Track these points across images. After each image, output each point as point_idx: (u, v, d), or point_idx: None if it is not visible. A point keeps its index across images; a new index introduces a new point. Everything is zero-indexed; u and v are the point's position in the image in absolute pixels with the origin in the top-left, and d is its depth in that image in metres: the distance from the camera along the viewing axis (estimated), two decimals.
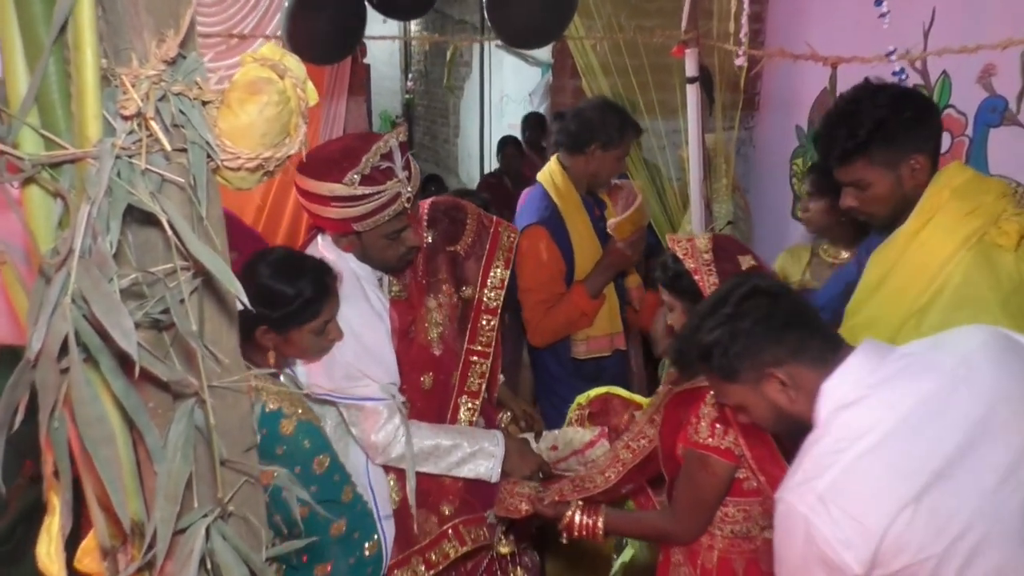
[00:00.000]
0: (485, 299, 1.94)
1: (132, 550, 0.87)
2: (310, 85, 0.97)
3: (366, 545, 1.72)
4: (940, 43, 2.95)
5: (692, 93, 2.34)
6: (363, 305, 1.77)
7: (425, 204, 1.97)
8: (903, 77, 2.22)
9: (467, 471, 1.83)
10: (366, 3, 2.03)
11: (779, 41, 4.17)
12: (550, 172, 2.44)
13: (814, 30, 3.57)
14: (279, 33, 2.22)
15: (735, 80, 2.61)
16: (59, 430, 0.86)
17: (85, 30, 0.81)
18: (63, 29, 0.80)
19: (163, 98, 0.86)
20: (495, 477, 1.84)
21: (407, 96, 10.45)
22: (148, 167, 0.84)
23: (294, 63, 0.93)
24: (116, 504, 0.84)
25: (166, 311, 0.87)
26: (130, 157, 0.85)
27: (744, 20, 1.92)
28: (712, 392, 1.58)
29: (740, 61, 2.00)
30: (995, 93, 3.13)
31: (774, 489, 1.56)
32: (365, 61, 3.82)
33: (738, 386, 1.30)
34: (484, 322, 1.93)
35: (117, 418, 0.86)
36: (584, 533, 1.74)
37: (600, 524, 1.72)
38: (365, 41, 2.93)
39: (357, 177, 1.61)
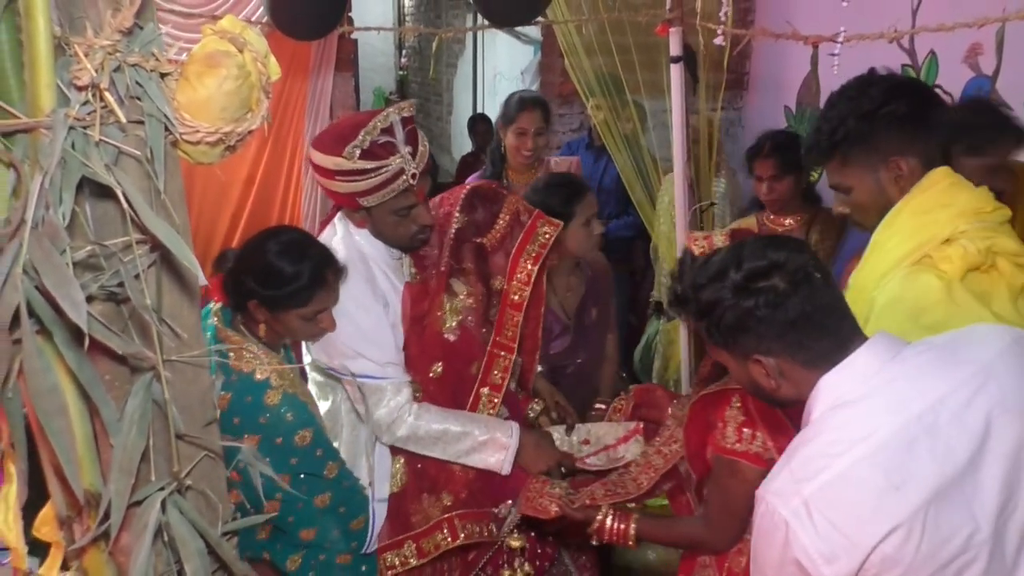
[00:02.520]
0: (512, 293, 1.90)
1: (87, 520, 0.88)
2: (272, 59, 0.96)
3: (352, 521, 1.74)
4: (928, 22, 2.95)
5: (676, 73, 2.32)
6: (362, 286, 1.77)
7: (464, 188, 1.94)
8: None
9: (476, 460, 1.79)
10: None
11: (767, 21, 4.16)
12: None
13: (801, 10, 3.56)
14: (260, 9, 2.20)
15: (720, 60, 2.60)
16: (13, 400, 0.86)
17: None
18: None
19: (118, 69, 0.85)
20: (506, 469, 1.79)
21: (401, 73, 10.37)
22: (103, 139, 0.84)
23: (254, 36, 0.92)
24: (69, 475, 0.84)
25: (122, 284, 0.87)
26: (84, 128, 0.84)
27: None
28: (737, 395, 1.55)
29: (720, 40, 1.99)
30: (981, 73, 3.13)
31: None
32: (353, 36, 3.79)
33: (724, 352, 1.22)
34: (509, 316, 1.89)
35: (72, 390, 0.86)
36: (615, 538, 1.69)
37: (632, 530, 1.67)
38: (355, 16, 2.91)
39: (357, 151, 1.61)
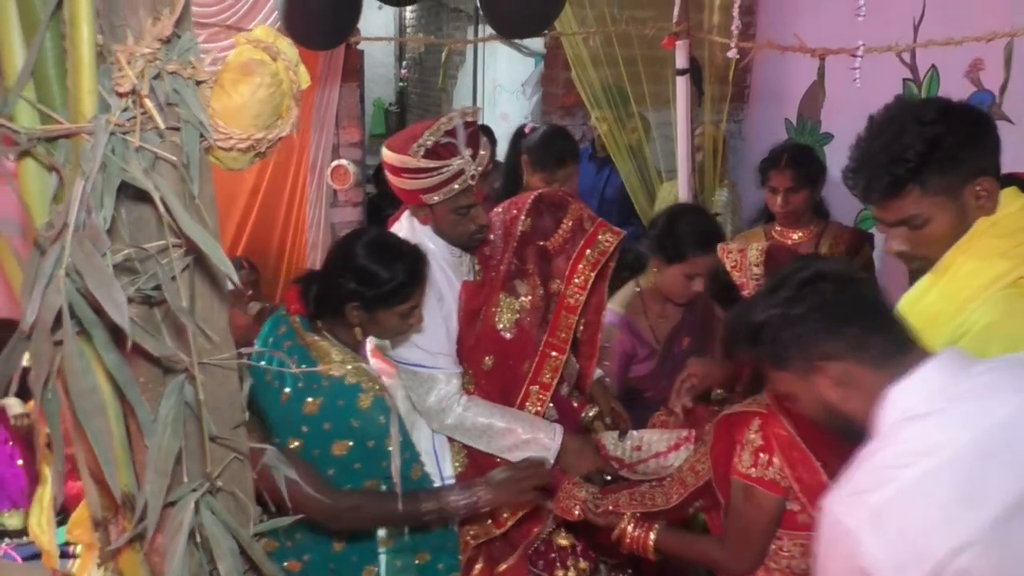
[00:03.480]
0: (568, 296, 1.95)
1: (123, 521, 0.89)
2: (302, 68, 0.98)
3: None
4: (930, 37, 2.99)
5: (681, 85, 2.36)
6: None
7: (532, 194, 2.01)
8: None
9: (517, 457, 1.83)
10: None
11: (769, 34, 4.20)
12: None
13: (804, 23, 3.60)
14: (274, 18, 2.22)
15: (724, 73, 2.63)
16: (52, 402, 0.87)
17: (82, 6, 0.82)
18: (59, 4, 0.81)
19: (157, 76, 0.87)
20: None
21: (401, 84, 10.42)
22: (142, 144, 0.85)
23: (287, 46, 0.94)
24: (108, 475, 0.85)
25: (157, 287, 0.89)
26: (124, 134, 0.86)
27: (735, 12, 1.94)
28: (758, 419, 1.53)
29: (732, 53, 2.01)
30: (983, 87, 3.17)
31: None
32: (359, 47, 3.81)
33: (787, 374, 1.19)
34: (564, 318, 1.94)
35: (109, 391, 0.87)
36: (635, 547, 1.69)
37: (651, 540, 1.67)
38: (359, 27, 2.94)
39: (421, 150, 1.72)
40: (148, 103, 0.85)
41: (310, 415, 1.62)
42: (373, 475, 1.66)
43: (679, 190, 2.65)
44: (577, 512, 1.76)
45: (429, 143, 1.72)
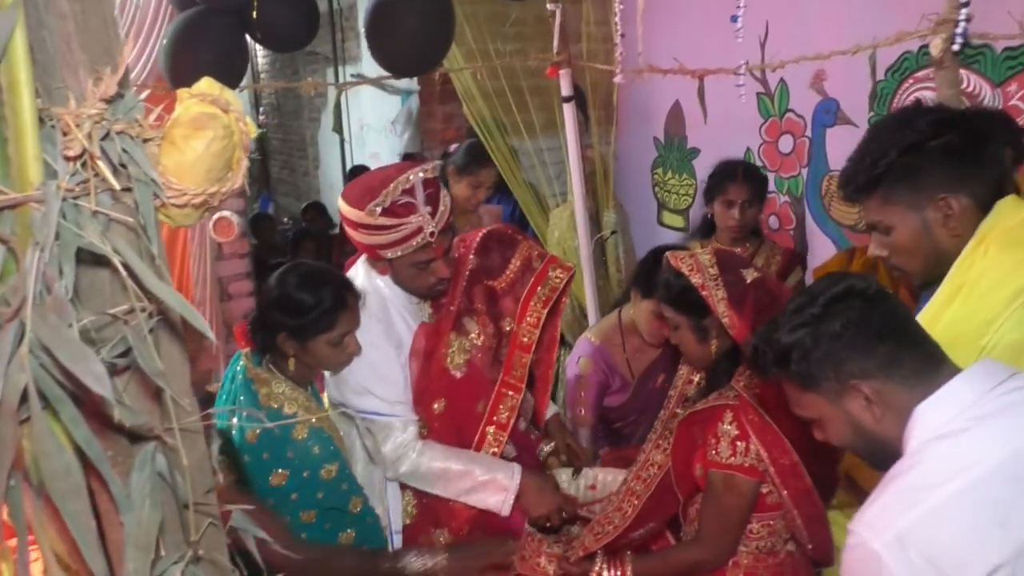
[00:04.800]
0: (521, 335, 1.95)
1: None
2: (248, 118, 0.97)
3: None
4: (775, 52, 3.25)
5: (568, 112, 2.45)
6: (376, 326, 1.83)
7: (480, 232, 2.01)
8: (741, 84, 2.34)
9: (476, 500, 1.82)
10: (247, 37, 2.01)
11: (634, 58, 4.44)
12: None
13: (661, 45, 3.84)
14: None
15: (605, 98, 2.77)
16: (15, 488, 0.82)
17: (20, 71, 0.78)
18: None
19: (106, 137, 0.84)
20: (505, 511, 1.82)
21: (261, 130, 10.18)
22: (97, 209, 0.82)
23: (233, 97, 0.94)
24: (89, 559, 0.81)
25: (121, 355, 0.85)
26: (75, 199, 0.82)
27: (619, 40, 2.06)
28: (729, 410, 1.58)
29: (618, 79, 2.13)
30: (827, 96, 3.47)
31: (794, 502, 1.57)
32: None
33: (817, 396, 1.15)
34: (518, 357, 1.94)
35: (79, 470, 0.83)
36: None
37: (629, 573, 1.67)
38: None
39: (378, 209, 1.70)
40: (101, 165, 0.82)
41: (250, 444, 1.65)
42: (309, 506, 1.67)
43: (575, 213, 2.75)
44: (552, 570, 1.76)
45: (387, 203, 1.70)
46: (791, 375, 1.16)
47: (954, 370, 1.08)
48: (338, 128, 7.02)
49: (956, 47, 1.39)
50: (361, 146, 8.07)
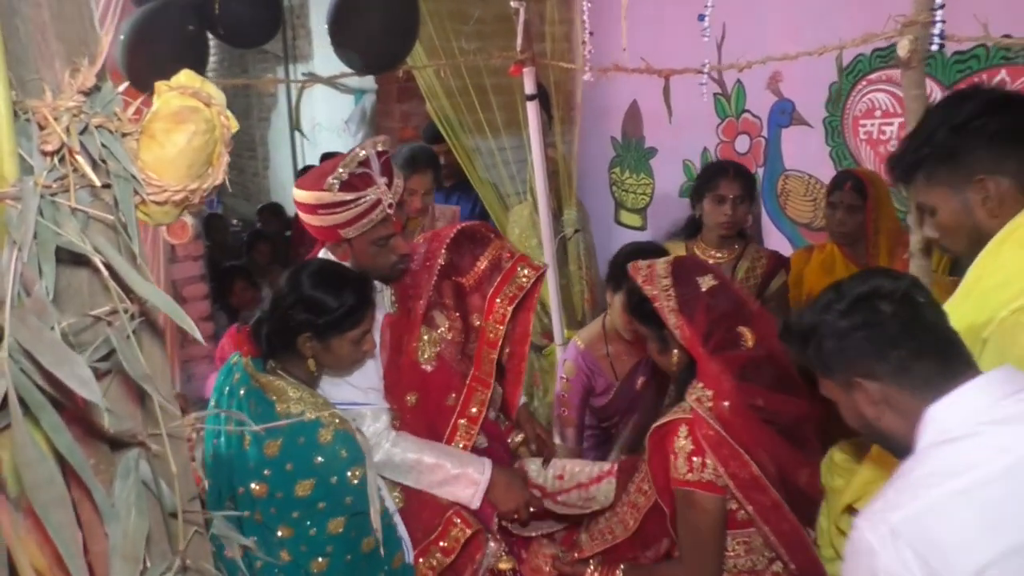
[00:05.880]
0: (488, 331, 1.95)
1: None
2: (229, 112, 0.94)
3: (394, 558, 1.73)
4: (733, 53, 3.30)
5: (532, 110, 2.45)
6: None
7: (455, 228, 2.00)
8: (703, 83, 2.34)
9: (447, 493, 1.82)
10: (208, 33, 1.96)
11: (594, 58, 4.46)
12: None
13: (618, 45, 3.87)
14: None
15: (568, 97, 2.77)
16: None
17: None
18: None
19: (84, 131, 0.81)
20: (475, 504, 1.82)
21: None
22: (77, 206, 0.79)
23: (215, 90, 0.91)
24: (75, 573, 0.77)
25: (103, 358, 0.82)
26: (52, 195, 0.79)
27: (587, 38, 2.06)
28: (684, 425, 1.56)
29: (588, 76, 2.13)
30: (783, 97, 3.54)
31: (762, 518, 1.52)
32: None
33: (829, 381, 1.18)
34: (486, 353, 1.94)
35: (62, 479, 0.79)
36: None
37: None
38: None
39: (336, 183, 1.69)
40: (80, 160, 0.79)
41: (271, 458, 1.60)
42: (337, 513, 1.62)
43: (535, 211, 2.74)
44: (548, 569, 1.76)
45: (344, 176, 1.70)
46: (808, 357, 1.19)
47: (974, 374, 1.08)
48: (298, 126, 6.88)
49: (934, 47, 1.41)
50: (313, 146, 7.94)
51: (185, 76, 0.91)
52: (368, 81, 5.36)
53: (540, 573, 1.80)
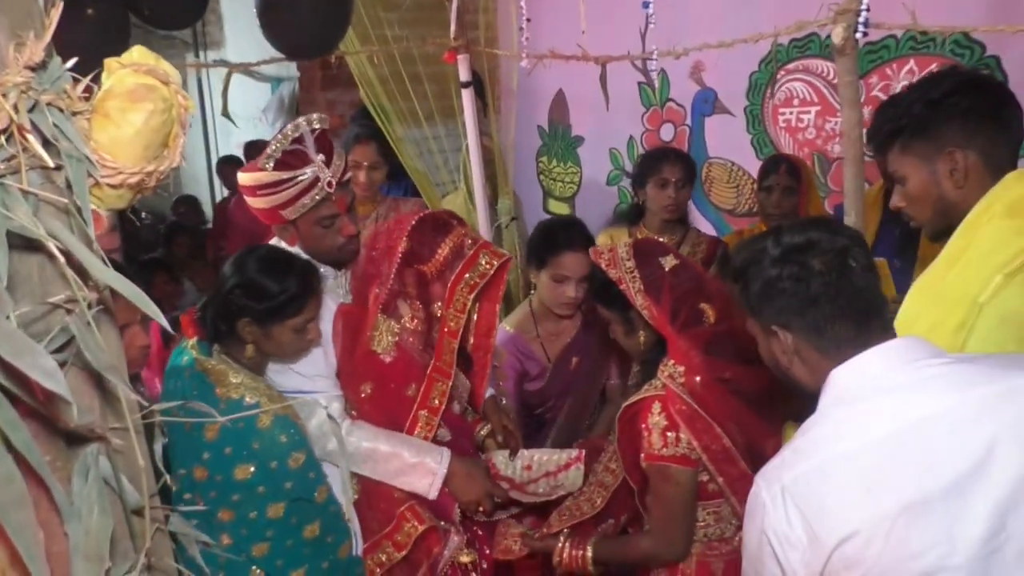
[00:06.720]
0: (449, 320, 1.91)
1: None
2: (185, 92, 0.90)
3: (340, 547, 1.71)
4: (654, 43, 3.36)
5: (467, 97, 2.44)
6: None
7: (416, 215, 1.95)
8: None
9: (403, 483, 1.77)
10: (130, 14, 1.86)
11: (511, 44, 4.46)
12: None
13: (545, 33, 3.89)
14: None
15: (500, 85, 2.76)
16: None
17: None
18: None
19: (34, 109, 0.76)
20: (432, 495, 1.79)
21: None
22: (28, 189, 0.74)
23: (171, 68, 0.87)
24: (36, 574, 0.73)
25: (57, 349, 0.78)
26: (1, 177, 0.74)
27: (524, 25, 2.06)
28: (658, 401, 1.57)
29: (525, 63, 2.13)
30: (705, 86, 3.63)
31: (732, 488, 1.58)
32: None
33: (752, 319, 1.20)
34: (447, 343, 1.90)
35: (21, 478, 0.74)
36: (575, 564, 1.68)
37: (588, 554, 1.67)
38: None
39: (270, 162, 1.65)
40: (31, 139, 0.74)
41: (211, 441, 1.57)
42: (277, 498, 1.60)
43: (468, 199, 2.73)
44: (517, 548, 1.76)
45: (277, 154, 1.65)
46: (739, 292, 1.21)
47: (885, 343, 1.10)
48: (226, 113, 6.59)
49: (859, 34, 1.48)
50: (227, 136, 7.69)
51: (138, 53, 0.86)
52: (286, 68, 5.22)
53: (510, 553, 1.80)
